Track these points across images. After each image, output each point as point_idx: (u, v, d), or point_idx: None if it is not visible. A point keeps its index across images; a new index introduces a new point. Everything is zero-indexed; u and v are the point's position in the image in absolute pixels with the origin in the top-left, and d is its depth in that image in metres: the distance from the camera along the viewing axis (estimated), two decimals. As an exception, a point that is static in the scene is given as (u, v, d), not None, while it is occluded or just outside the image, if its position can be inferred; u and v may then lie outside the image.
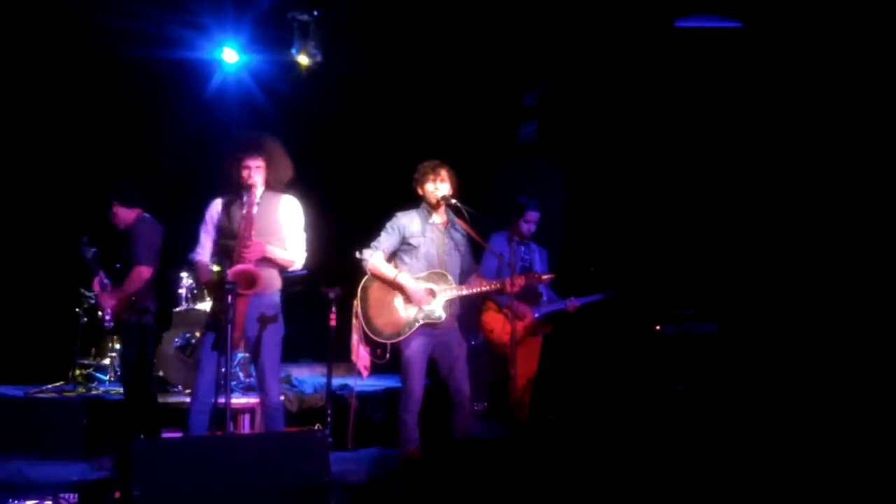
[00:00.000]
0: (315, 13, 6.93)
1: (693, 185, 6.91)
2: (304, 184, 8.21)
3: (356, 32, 7.35)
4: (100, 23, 6.71)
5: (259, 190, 4.63)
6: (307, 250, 4.81)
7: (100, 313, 5.61)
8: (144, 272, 5.36)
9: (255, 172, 4.59)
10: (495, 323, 5.85)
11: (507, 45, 7.31)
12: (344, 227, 6.88)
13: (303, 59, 7.12)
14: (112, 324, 5.48)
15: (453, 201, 5.04)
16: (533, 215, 5.89)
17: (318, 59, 7.08)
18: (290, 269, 4.78)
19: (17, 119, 7.23)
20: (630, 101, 7.34)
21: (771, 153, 6.37)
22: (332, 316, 5.48)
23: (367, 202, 6.99)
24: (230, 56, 7.53)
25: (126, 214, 5.50)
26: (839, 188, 5.92)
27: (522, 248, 5.91)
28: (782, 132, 6.30)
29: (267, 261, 4.59)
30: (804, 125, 6.15)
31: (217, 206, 4.75)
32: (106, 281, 5.64)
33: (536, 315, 5.89)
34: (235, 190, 4.65)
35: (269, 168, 4.65)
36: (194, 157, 7.02)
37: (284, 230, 4.73)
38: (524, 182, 7.97)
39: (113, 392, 6.26)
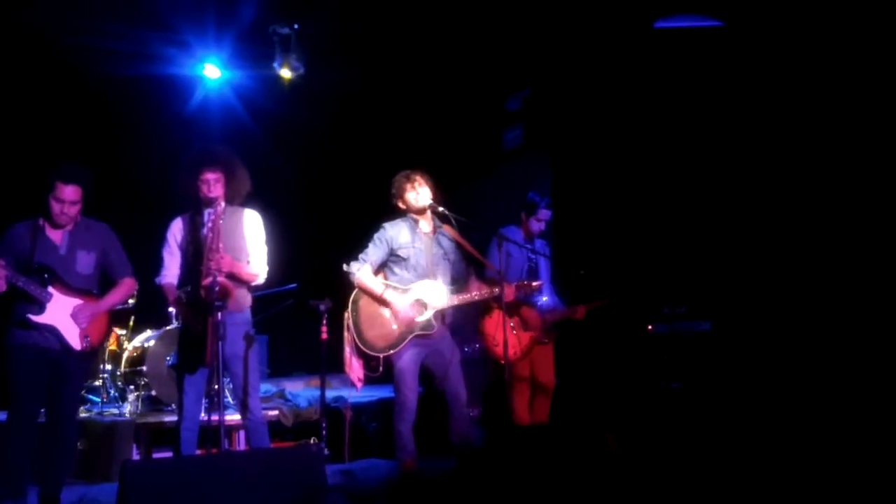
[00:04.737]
0: (296, 26, 6.93)
1: (681, 184, 6.92)
2: (291, 197, 8.21)
3: (337, 44, 7.35)
4: (80, 41, 6.70)
5: (221, 204, 4.50)
6: (269, 263, 4.75)
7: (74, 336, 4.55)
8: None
9: (215, 186, 4.51)
10: (499, 334, 5.32)
11: (489, 50, 7.31)
12: (332, 239, 6.88)
13: (285, 73, 7.12)
14: (89, 347, 4.59)
15: (440, 209, 5.01)
16: (545, 214, 5.75)
17: (301, 72, 7.08)
18: (254, 284, 4.70)
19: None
20: (615, 101, 7.35)
21: (757, 150, 6.38)
22: (324, 329, 5.47)
23: (355, 214, 6.99)
24: (212, 72, 7.53)
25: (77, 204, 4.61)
26: (827, 183, 5.93)
27: (525, 252, 5.72)
28: (768, 129, 6.31)
29: (234, 277, 4.48)
30: (789, 122, 6.17)
31: (178, 224, 4.68)
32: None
33: (543, 324, 5.70)
34: (195, 206, 4.61)
35: (228, 181, 4.57)
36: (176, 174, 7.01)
37: (248, 244, 4.69)
38: (512, 187, 7.97)
39: (106, 413, 6.22)
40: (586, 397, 6.73)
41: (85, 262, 4.64)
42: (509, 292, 5.02)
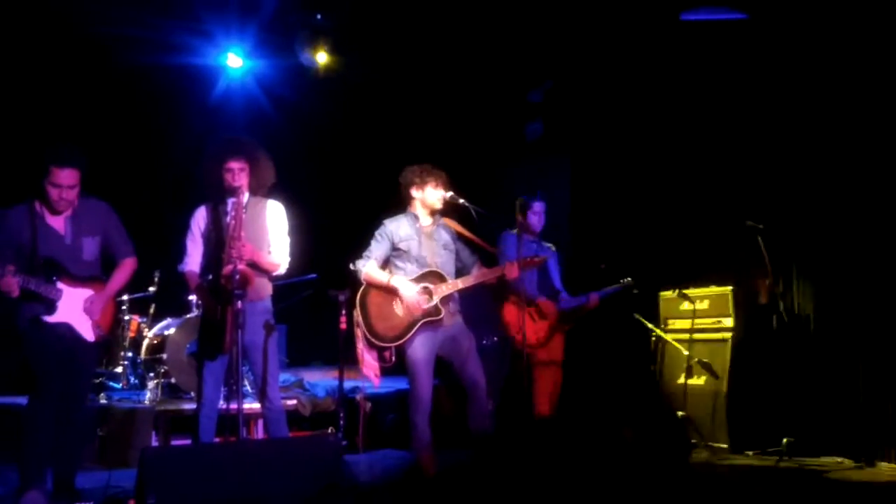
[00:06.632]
0: (318, 17, 6.94)
1: (700, 178, 6.87)
2: (312, 188, 8.19)
3: (360, 35, 7.34)
4: (105, 31, 6.73)
5: (245, 194, 4.58)
6: (291, 255, 4.78)
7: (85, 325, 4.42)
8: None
9: (239, 175, 4.54)
10: (519, 322, 5.60)
11: (512, 42, 7.28)
12: (353, 230, 6.87)
13: (321, 59, 7.14)
14: (101, 337, 4.52)
15: (461, 200, 5.04)
16: (539, 206, 5.89)
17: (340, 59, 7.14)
18: (275, 274, 4.73)
19: (24, 129, 7.23)
20: (635, 94, 7.30)
21: (777, 145, 6.33)
22: (342, 319, 5.48)
23: (375, 204, 6.98)
24: (235, 61, 7.56)
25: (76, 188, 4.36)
26: (846, 178, 5.87)
27: (534, 246, 5.81)
28: (789, 124, 6.26)
29: (255, 266, 4.52)
30: (810, 118, 6.11)
31: (201, 213, 4.71)
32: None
33: (558, 310, 5.86)
34: (219, 195, 4.63)
35: (252, 171, 4.61)
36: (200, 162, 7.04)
37: (271, 235, 4.72)
38: (532, 179, 7.95)
39: (126, 401, 6.27)
40: (602, 389, 6.72)
41: (90, 248, 4.46)
42: (513, 270, 5.06)
